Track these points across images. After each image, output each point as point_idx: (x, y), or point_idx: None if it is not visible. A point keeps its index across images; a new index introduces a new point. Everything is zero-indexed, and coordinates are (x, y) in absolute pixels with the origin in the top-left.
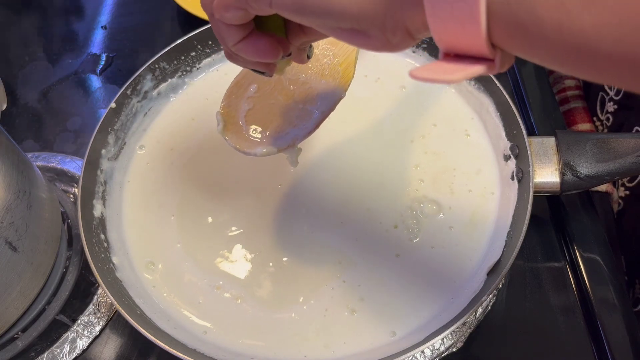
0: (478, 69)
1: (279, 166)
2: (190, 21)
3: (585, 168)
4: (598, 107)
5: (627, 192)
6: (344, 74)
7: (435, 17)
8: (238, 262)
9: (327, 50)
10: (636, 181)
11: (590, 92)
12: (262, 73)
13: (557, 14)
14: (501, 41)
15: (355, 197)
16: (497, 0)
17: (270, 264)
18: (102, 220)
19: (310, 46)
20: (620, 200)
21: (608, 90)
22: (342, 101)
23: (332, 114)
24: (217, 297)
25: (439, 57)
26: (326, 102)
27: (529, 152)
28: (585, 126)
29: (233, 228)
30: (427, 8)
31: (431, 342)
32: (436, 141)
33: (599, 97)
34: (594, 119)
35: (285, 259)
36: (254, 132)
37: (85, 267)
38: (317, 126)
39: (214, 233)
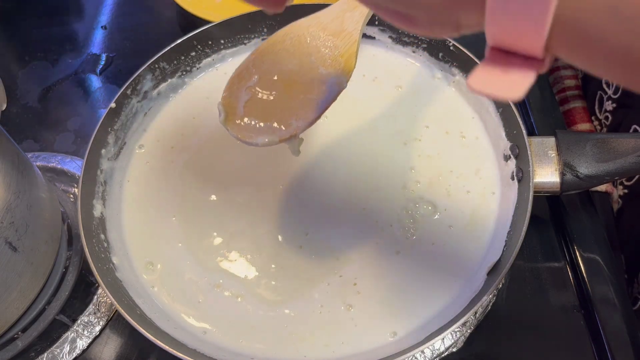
0: (532, 76)
1: (279, 165)
2: (190, 21)
3: (585, 168)
4: (597, 106)
5: (626, 191)
6: (345, 64)
7: (496, 15)
8: (238, 261)
9: (328, 41)
10: (635, 180)
11: (588, 91)
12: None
13: (628, 37)
14: (557, 46)
15: (351, 198)
16: (566, 6)
17: (271, 263)
18: (102, 220)
19: None
20: (619, 199)
21: (606, 89)
22: (339, 101)
23: (329, 114)
24: (217, 296)
25: (485, 52)
26: (328, 92)
27: (529, 152)
28: (585, 126)
29: (234, 227)
30: (490, 6)
31: (431, 342)
32: (435, 142)
33: (598, 96)
34: (593, 118)
35: (285, 257)
36: (256, 121)
37: (85, 267)
38: (319, 116)
39: (215, 231)
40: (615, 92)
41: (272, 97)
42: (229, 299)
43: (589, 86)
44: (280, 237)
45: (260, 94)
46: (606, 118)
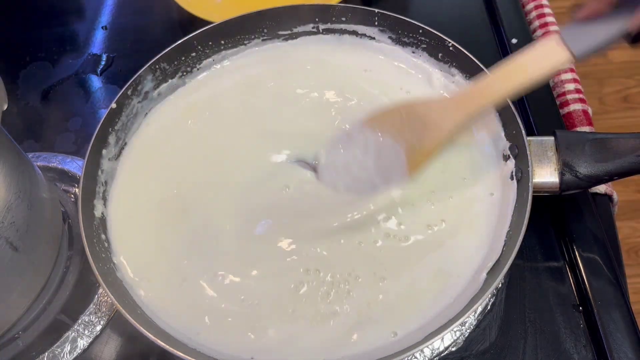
0: None
1: (284, 167)
2: (190, 21)
3: (584, 168)
4: None
5: None
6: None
7: None
8: (239, 258)
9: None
10: None
11: None
12: None
13: None
14: None
15: (346, 197)
16: None
17: (271, 260)
18: (102, 220)
19: None
20: None
21: None
22: (344, 107)
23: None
24: (217, 294)
25: None
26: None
27: (528, 152)
28: (584, 130)
29: (236, 226)
30: None
31: (431, 342)
32: None
33: None
34: None
35: (287, 247)
36: None
37: (85, 267)
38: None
39: (217, 230)
40: None
41: None
42: (229, 294)
43: None
44: (281, 233)
45: None
46: None
